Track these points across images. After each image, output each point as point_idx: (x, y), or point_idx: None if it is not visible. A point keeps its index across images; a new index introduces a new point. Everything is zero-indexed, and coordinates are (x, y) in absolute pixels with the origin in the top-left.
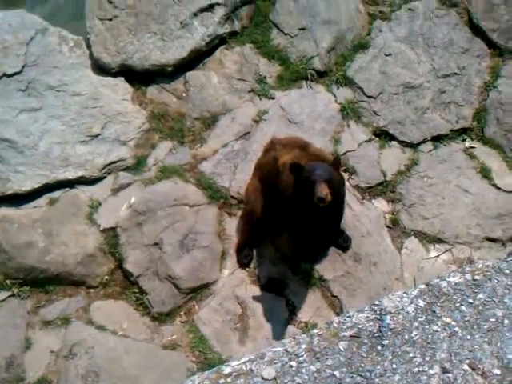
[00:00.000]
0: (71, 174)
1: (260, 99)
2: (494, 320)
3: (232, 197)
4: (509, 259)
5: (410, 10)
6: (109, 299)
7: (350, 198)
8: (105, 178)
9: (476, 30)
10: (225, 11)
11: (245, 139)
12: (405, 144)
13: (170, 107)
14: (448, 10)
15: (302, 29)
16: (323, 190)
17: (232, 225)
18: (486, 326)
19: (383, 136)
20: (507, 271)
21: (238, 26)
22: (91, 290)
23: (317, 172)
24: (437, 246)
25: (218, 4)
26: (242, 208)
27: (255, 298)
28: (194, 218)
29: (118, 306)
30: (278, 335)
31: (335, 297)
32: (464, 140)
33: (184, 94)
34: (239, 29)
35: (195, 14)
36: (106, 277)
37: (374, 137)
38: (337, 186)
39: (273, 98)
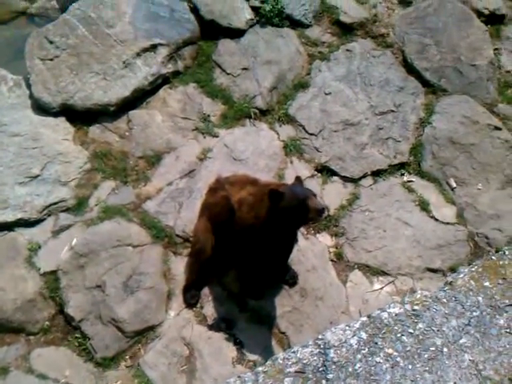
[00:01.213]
0: (9, 216)
1: (204, 137)
2: (433, 349)
3: (177, 235)
4: (445, 288)
5: (347, 50)
6: (50, 346)
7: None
8: (45, 219)
9: (410, 69)
10: (168, 51)
11: (189, 177)
12: (346, 179)
13: (113, 146)
14: (383, 51)
15: (245, 69)
16: (319, 203)
17: (177, 264)
18: (426, 355)
19: (325, 172)
20: (444, 300)
21: (181, 65)
22: (31, 337)
23: (302, 191)
24: (380, 278)
25: (161, 44)
26: (190, 247)
27: (202, 339)
28: (138, 258)
29: (59, 352)
30: (226, 376)
31: (283, 333)
32: (402, 174)
33: (127, 133)
34: (182, 68)
35: (138, 54)
36: (47, 323)
37: (316, 172)
38: None
39: (217, 136)
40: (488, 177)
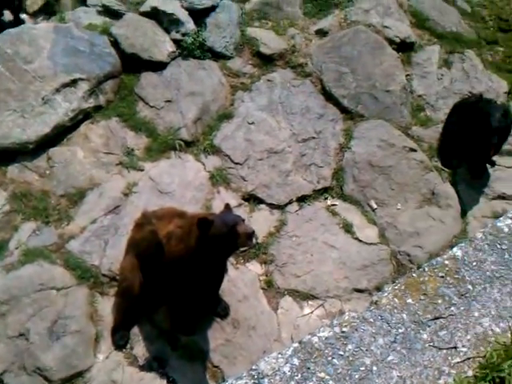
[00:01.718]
0: None
1: (129, 172)
2: (363, 368)
3: (103, 275)
4: (371, 308)
5: (268, 80)
6: None
7: None
8: None
9: (329, 97)
10: (88, 86)
11: (115, 214)
12: (273, 206)
13: (33, 186)
14: (303, 80)
15: (168, 101)
16: (249, 227)
17: (105, 305)
18: (357, 376)
19: (252, 200)
20: (371, 320)
21: (102, 100)
22: None
23: (230, 217)
24: (310, 302)
25: (82, 79)
26: (117, 286)
27: (134, 380)
28: (63, 301)
29: None
30: None
31: (216, 367)
32: (326, 198)
33: (47, 172)
34: (104, 103)
35: (58, 90)
36: None
37: (243, 201)
38: None
39: (142, 170)
40: (406, 196)
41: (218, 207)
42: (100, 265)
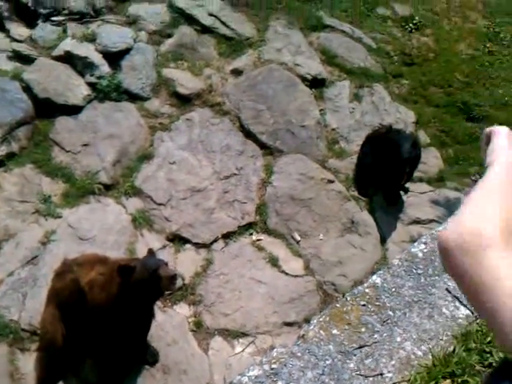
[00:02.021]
0: None
1: (46, 220)
2: None
3: (23, 330)
4: (299, 342)
5: (187, 120)
6: None
7: None
8: None
9: (248, 134)
10: (0, 133)
11: (33, 264)
12: (198, 245)
13: None
14: (221, 118)
15: (85, 145)
16: (171, 270)
17: (26, 362)
18: None
19: (177, 240)
20: (299, 354)
21: (15, 147)
22: None
23: (152, 261)
24: (241, 340)
25: None
26: (38, 341)
27: None
28: None
29: None
30: None
31: None
32: (251, 234)
33: None
34: (17, 150)
35: None
36: None
37: (168, 242)
38: None
39: (60, 217)
40: (327, 227)
41: (141, 250)
42: (19, 319)
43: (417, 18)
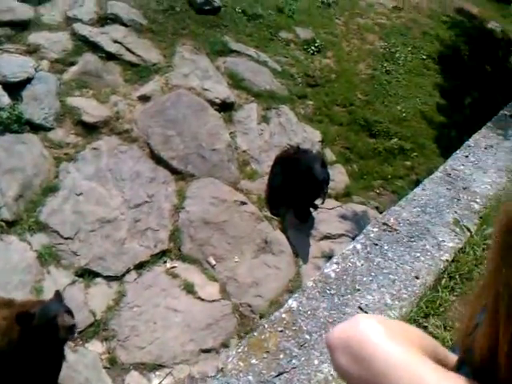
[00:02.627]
0: None
1: None
2: None
3: None
4: (218, 376)
5: (94, 149)
6: None
7: None
8: None
9: (158, 160)
10: None
11: None
12: (110, 278)
13: None
14: (130, 145)
15: None
16: (70, 319)
17: None
18: None
19: (87, 275)
20: None
21: None
22: None
23: (53, 308)
24: (157, 372)
25: None
26: None
27: None
28: None
29: None
30: None
31: None
32: (165, 262)
33: None
34: None
35: None
36: None
37: (77, 278)
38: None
39: None
40: (242, 248)
41: (49, 288)
42: None
43: (318, 40)
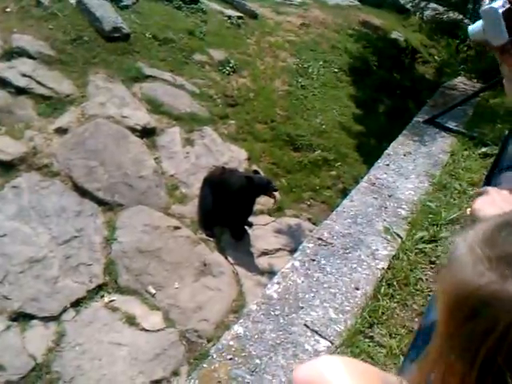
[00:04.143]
0: None
1: None
2: None
3: None
4: None
5: (14, 187)
6: None
7: None
8: None
9: (83, 193)
10: None
11: None
12: (46, 319)
13: None
14: (52, 180)
15: None
16: None
17: None
18: None
19: (21, 318)
20: None
21: None
22: None
23: None
24: None
25: None
26: None
27: None
28: None
29: None
30: None
31: None
32: (102, 296)
33: None
34: None
35: None
36: None
37: (11, 322)
38: None
39: None
40: (181, 274)
41: None
42: None
43: (232, 61)
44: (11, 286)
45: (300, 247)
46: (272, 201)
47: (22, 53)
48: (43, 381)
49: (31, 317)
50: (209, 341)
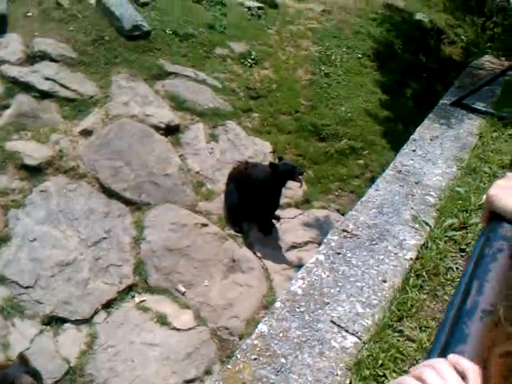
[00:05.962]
0: None
1: None
2: None
3: None
4: None
5: (42, 191)
6: None
7: None
8: None
9: (110, 194)
10: None
11: None
12: (78, 322)
13: None
14: (78, 183)
15: None
16: (30, 380)
17: None
18: None
19: (54, 322)
20: None
21: None
22: None
23: (12, 371)
24: None
25: None
26: None
27: None
28: None
29: None
30: None
31: None
32: (133, 297)
33: None
34: None
35: None
36: None
37: (44, 326)
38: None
39: None
40: (210, 271)
41: (17, 341)
42: None
43: (254, 52)
44: (43, 290)
45: (324, 240)
46: (299, 188)
47: (44, 56)
48: (77, 383)
49: (63, 320)
50: (240, 338)
